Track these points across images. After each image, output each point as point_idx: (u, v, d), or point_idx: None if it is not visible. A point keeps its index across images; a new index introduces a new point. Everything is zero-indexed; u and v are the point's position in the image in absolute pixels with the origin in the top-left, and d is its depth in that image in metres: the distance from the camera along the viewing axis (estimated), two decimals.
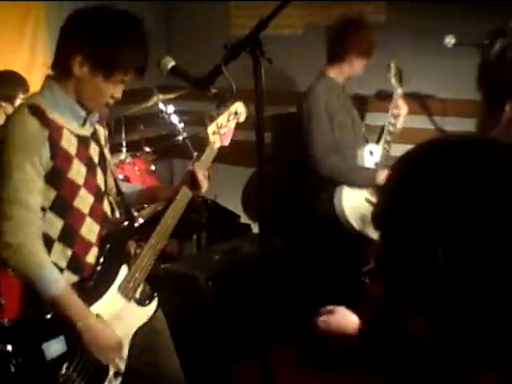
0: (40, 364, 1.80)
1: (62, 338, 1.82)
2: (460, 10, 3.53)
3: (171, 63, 1.81)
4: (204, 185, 2.10)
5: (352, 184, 3.23)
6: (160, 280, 2.95)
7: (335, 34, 3.22)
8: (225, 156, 4.81)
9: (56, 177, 1.84)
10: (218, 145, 2.18)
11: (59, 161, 1.83)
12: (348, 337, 1.35)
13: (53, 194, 1.85)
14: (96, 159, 1.98)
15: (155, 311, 2.11)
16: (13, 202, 1.77)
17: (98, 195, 1.96)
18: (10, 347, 2.61)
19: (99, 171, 1.98)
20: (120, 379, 1.96)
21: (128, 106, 3.84)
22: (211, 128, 2.14)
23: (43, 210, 1.85)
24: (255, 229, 4.31)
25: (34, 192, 1.79)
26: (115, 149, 3.80)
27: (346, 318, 1.41)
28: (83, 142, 1.92)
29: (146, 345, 2.09)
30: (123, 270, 2.01)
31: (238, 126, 4.68)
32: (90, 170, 1.93)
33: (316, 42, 3.31)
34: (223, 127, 2.18)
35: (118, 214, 2.08)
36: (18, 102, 3.45)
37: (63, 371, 1.82)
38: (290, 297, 3.18)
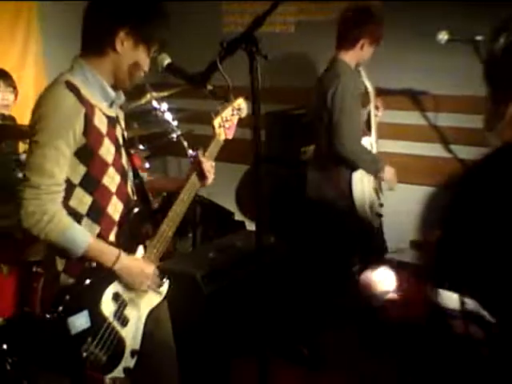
0: (66, 338, 1.83)
1: (85, 312, 1.87)
2: (453, 6, 3.54)
3: (167, 60, 1.81)
4: (211, 175, 2.17)
5: (368, 170, 3.26)
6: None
7: (349, 20, 3.21)
8: (219, 153, 4.80)
9: (87, 153, 1.87)
10: (223, 137, 2.24)
11: (92, 138, 1.86)
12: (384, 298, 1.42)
13: (83, 170, 1.88)
14: (121, 140, 2.03)
15: (166, 294, 2.17)
16: (41, 172, 1.80)
17: (124, 175, 2.02)
18: (5, 346, 2.64)
19: (123, 152, 2.04)
20: (135, 358, 2.00)
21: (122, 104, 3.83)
22: (217, 121, 2.20)
23: (73, 185, 1.88)
24: (249, 226, 4.32)
25: (62, 165, 1.82)
26: None
27: (386, 279, 1.47)
28: (111, 122, 1.96)
29: (147, 331, 2.10)
30: (140, 251, 2.06)
31: None
32: (117, 150, 1.97)
33: (309, 39, 3.31)
34: (227, 121, 2.24)
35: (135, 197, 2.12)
36: None
37: (86, 346, 1.86)
38: (285, 295, 3.18)
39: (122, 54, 1.88)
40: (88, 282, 1.91)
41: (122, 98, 2.04)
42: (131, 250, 2.03)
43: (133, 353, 2.00)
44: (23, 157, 3.29)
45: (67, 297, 1.87)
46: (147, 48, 1.90)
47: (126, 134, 2.12)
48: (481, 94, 1.36)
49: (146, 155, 3.91)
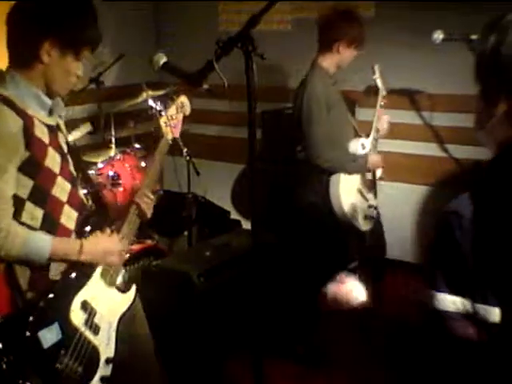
0: (38, 353, 1.80)
1: (56, 324, 1.84)
2: (448, 5, 3.55)
3: (163, 59, 1.81)
4: (149, 212, 2.17)
5: (347, 172, 3.25)
6: (151, 276, 2.97)
7: (325, 22, 3.23)
8: (214, 152, 4.83)
9: (32, 166, 1.82)
10: (170, 136, 2.27)
11: (35, 150, 1.82)
12: (352, 309, 1.42)
13: (30, 183, 1.83)
14: (65, 148, 1.99)
15: (134, 298, 2.13)
16: None
17: (74, 182, 1.98)
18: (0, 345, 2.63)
19: (69, 158, 2.00)
20: (111, 365, 1.96)
21: (117, 103, 3.83)
22: (163, 120, 2.24)
23: (22, 200, 1.83)
24: (245, 224, 4.32)
25: (7, 182, 1.77)
26: (105, 146, 3.80)
27: (354, 291, 1.47)
28: (52, 131, 1.92)
29: (123, 336, 2.08)
30: None
31: (228, 122, 4.68)
32: (63, 158, 1.94)
33: (305, 37, 3.32)
34: (173, 119, 2.27)
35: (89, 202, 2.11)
36: None
37: (61, 358, 1.83)
38: (281, 292, 3.19)
39: (51, 64, 1.83)
40: (54, 294, 1.87)
41: (61, 105, 1.99)
42: None
43: (108, 360, 1.96)
44: None
45: (35, 311, 1.83)
46: (76, 53, 1.85)
47: (68, 140, 2.09)
48: (476, 93, 1.37)
49: (141, 154, 3.91)
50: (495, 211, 1.23)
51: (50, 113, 1.93)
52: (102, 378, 1.93)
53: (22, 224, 1.84)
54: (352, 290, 1.60)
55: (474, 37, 2.99)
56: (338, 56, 3.25)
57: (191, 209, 3.87)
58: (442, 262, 1.32)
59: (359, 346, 3.12)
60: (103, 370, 1.94)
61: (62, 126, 2.07)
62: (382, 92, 3.42)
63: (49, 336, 1.82)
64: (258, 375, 1.76)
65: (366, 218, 3.34)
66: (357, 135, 3.42)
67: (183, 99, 2.29)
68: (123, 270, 2.14)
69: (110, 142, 3.78)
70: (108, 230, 2.06)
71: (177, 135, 2.30)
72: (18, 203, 1.83)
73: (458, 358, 1.28)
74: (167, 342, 2.39)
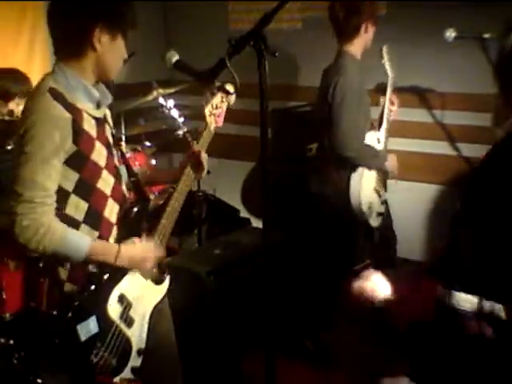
0: (75, 345, 1.83)
1: (93, 318, 1.87)
2: (461, 4, 3.53)
3: (175, 57, 1.81)
4: (205, 166, 2.17)
5: (369, 167, 3.23)
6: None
7: (352, 6, 3.15)
8: (224, 150, 4.82)
9: (79, 160, 1.85)
10: (214, 126, 2.24)
11: (83, 144, 1.84)
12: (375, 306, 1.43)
13: (75, 176, 1.86)
14: (111, 140, 2.02)
15: (169, 288, 2.17)
16: (33, 186, 1.76)
17: (117, 176, 2.00)
18: (12, 341, 2.65)
19: (114, 152, 2.02)
20: (141, 357, 2.01)
21: (128, 101, 3.84)
22: (207, 109, 2.20)
23: (67, 193, 1.86)
24: (254, 222, 4.32)
25: (53, 177, 1.79)
26: (115, 143, 3.81)
27: (380, 286, 1.49)
28: (100, 123, 1.95)
29: (150, 328, 2.11)
30: None
31: (239, 120, 4.67)
32: (109, 151, 1.96)
33: (315, 36, 3.31)
34: (217, 108, 2.24)
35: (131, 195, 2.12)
36: (12, 104, 3.41)
37: (96, 351, 1.86)
38: (291, 290, 3.19)
39: (102, 51, 1.85)
40: (93, 287, 1.91)
41: (109, 97, 2.01)
42: None
43: (139, 352, 2.01)
44: None
45: (74, 304, 1.86)
46: (124, 36, 1.89)
47: (114, 132, 2.10)
48: (487, 91, 1.36)
49: (152, 152, 3.92)
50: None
51: (98, 105, 1.95)
52: (133, 369, 1.98)
53: (66, 216, 1.87)
54: (377, 285, 1.62)
55: (486, 35, 2.98)
56: (366, 36, 3.21)
57: (201, 207, 3.88)
58: (459, 262, 1.32)
59: (371, 345, 3.12)
60: (134, 360, 1.99)
61: (109, 118, 2.08)
62: (391, 76, 3.35)
63: (86, 329, 1.85)
64: (270, 372, 1.76)
65: (378, 215, 3.34)
66: (372, 128, 3.40)
67: (229, 88, 2.23)
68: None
69: (121, 139, 3.79)
70: (144, 237, 2.05)
71: (220, 124, 2.27)
72: (63, 195, 1.86)
73: (472, 355, 1.28)
74: (177, 340, 2.39)
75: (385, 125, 3.32)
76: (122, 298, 1.96)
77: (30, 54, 4.08)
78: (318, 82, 3.34)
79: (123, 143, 3.77)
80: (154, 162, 3.82)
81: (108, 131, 2.01)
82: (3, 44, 3.90)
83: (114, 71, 1.93)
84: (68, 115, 1.79)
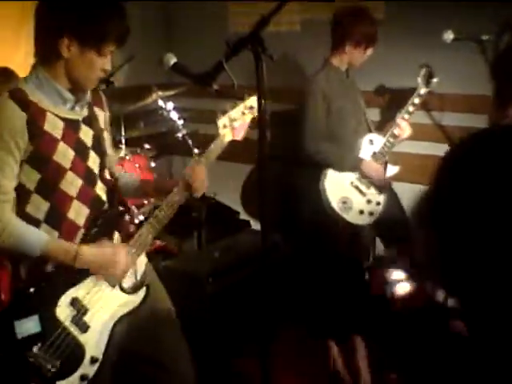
0: (10, 342, 1.79)
1: (35, 317, 1.83)
2: (459, 5, 3.53)
3: (173, 60, 1.82)
4: (201, 187, 2.12)
5: (339, 168, 3.26)
6: (160, 277, 2.98)
7: (334, 21, 3.25)
8: (224, 153, 4.80)
9: (39, 160, 1.85)
10: (228, 138, 2.19)
11: (42, 144, 1.84)
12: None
13: (37, 176, 1.86)
14: (89, 143, 1.98)
15: (145, 298, 2.07)
16: None
17: (89, 178, 1.97)
18: None
19: (92, 154, 1.98)
20: (97, 365, 1.92)
21: (127, 104, 3.85)
22: (222, 121, 2.14)
23: (29, 191, 1.86)
24: (254, 225, 4.32)
25: (7, 174, 1.81)
26: (115, 146, 3.81)
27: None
28: (71, 125, 1.93)
29: (148, 335, 2.09)
30: None
31: None
32: (79, 154, 1.93)
33: (315, 38, 3.32)
34: (236, 120, 2.17)
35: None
36: None
37: (34, 351, 1.81)
38: (289, 292, 3.19)
39: (72, 59, 1.84)
40: (42, 286, 1.87)
41: (86, 98, 1.99)
42: None
43: (93, 360, 1.91)
44: None
45: (17, 299, 1.85)
46: (97, 50, 1.83)
47: (105, 134, 2.08)
48: (486, 93, 1.37)
49: (151, 155, 3.92)
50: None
51: (73, 107, 1.93)
52: (83, 376, 1.89)
53: (27, 214, 1.87)
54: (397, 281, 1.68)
55: (484, 37, 2.98)
56: (347, 56, 3.26)
57: (201, 209, 3.88)
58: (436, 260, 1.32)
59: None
60: (86, 368, 1.90)
61: (100, 120, 2.05)
62: (421, 90, 3.37)
63: (25, 327, 1.81)
64: (265, 375, 1.76)
65: (362, 212, 3.32)
66: (370, 132, 3.42)
67: (253, 100, 2.17)
68: (139, 270, 2.08)
69: (120, 142, 3.79)
70: (117, 238, 2.02)
71: (239, 138, 2.20)
72: (25, 194, 1.87)
73: (455, 354, 1.27)
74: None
75: (391, 131, 3.35)
76: (74, 302, 1.90)
77: (29, 55, 4.07)
78: None
79: (123, 146, 3.78)
80: (153, 164, 3.82)
81: (84, 133, 1.97)
82: (3, 45, 3.91)
83: (86, 82, 1.90)
84: (22, 114, 1.80)
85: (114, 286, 2.00)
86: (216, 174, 2.41)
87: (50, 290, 1.88)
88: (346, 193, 3.28)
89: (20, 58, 4.03)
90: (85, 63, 1.84)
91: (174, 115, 3.82)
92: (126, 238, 2.05)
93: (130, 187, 2.23)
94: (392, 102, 3.91)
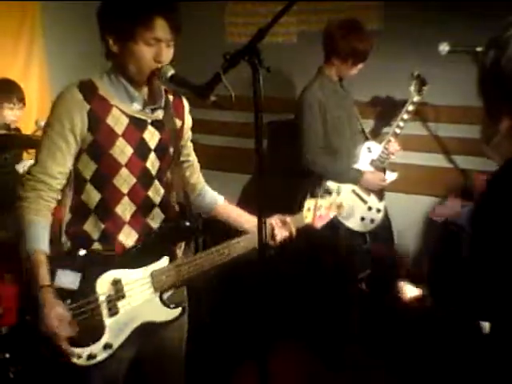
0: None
1: (77, 274, 1.86)
2: (454, 17, 3.57)
3: (171, 71, 1.83)
4: (273, 241, 2.22)
5: (338, 181, 3.28)
6: None
7: (325, 33, 3.27)
8: (220, 163, 4.82)
9: (97, 151, 1.91)
10: (308, 221, 2.28)
11: (101, 136, 1.90)
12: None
13: (93, 166, 1.93)
14: (152, 145, 2.01)
15: (174, 320, 2.08)
16: (35, 161, 1.90)
17: (144, 179, 2.00)
18: (8, 355, 2.65)
19: (153, 157, 2.01)
20: (108, 352, 1.91)
21: None
22: (309, 203, 2.26)
23: (85, 180, 1.94)
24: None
25: (56, 157, 1.87)
26: None
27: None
28: (137, 123, 1.97)
29: (156, 348, 2.11)
30: (164, 261, 2.04)
31: (235, 132, 4.66)
32: (138, 152, 1.97)
33: (311, 49, 3.35)
34: (322, 210, 2.28)
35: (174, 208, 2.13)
36: (6, 111, 3.42)
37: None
38: (288, 302, 3.19)
39: (121, 54, 1.89)
40: (97, 256, 1.92)
41: (160, 102, 2.02)
42: (156, 255, 2.03)
43: (106, 346, 1.91)
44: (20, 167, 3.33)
45: (71, 251, 1.90)
46: (134, 35, 1.84)
47: (180, 141, 2.12)
48: (481, 104, 1.37)
49: None
50: (495, 225, 1.23)
51: (144, 107, 1.97)
52: (89, 356, 1.88)
53: (81, 202, 1.95)
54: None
55: (479, 49, 3.01)
56: (334, 68, 3.28)
57: (197, 220, 3.87)
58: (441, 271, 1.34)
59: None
60: (97, 350, 1.89)
61: (173, 127, 2.07)
62: (414, 98, 3.43)
63: (66, 279, 1.84)
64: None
65: (363, 219, 3.34)
66: (367, 140, 3.45)
67: (342, 202, 2.32)
68: (178, 290, 2.12)
69: None
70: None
71: (317, 226, 2.29)
72: (81, 183, 1.95)
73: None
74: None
75: (387, 138, 3.37)
76: (117, 283, 1.92)
77: (27, 65, 4.10)
78: None
79: None
80: None
81: (150, 134, 2.00)
82: (1, 55, 3.93)
83: (138, 74, 1.91)
84: (85, 104, 1.87)
85: (157, 290, 2.02)
86: (213, 184, 2.43)
87: (102, 259, 1.93)
88: (347, 200, 3.30)
89: (19, 68, 4.06)
90: (132, 55, 1.87)
91: None
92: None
93: (205, 206, 2.36)
94: (388, 111, 3.94)
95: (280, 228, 2.23)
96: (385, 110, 3.99)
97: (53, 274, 1.83)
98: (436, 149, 3.98)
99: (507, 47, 1.25)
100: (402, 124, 3.41)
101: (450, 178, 3.92)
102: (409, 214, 4.08)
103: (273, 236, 2.21)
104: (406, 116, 3.41)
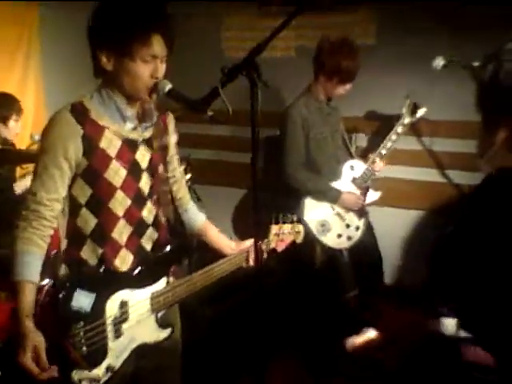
0: (64, 307, 1.81)
1: (93, 295, 1.84)
2: (449, 32, 3.59)
3: (168, 86, 1.82)
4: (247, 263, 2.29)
5: (317, 198, 3.30)
6: None
7: (316, 50, 3.28)
8: (216, 177, 4.82)
9: (92, 175, 1.88)
10: (272, 245, 2.33)
11: (96, 160, 1.87)
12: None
13: (89, 191, 1.90)
14: (144, 165, 1.99)
15: (166, 339, 2.08)
16: (30, 186, 1.87)
17: (138, 199, 1.98)
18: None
19: (145, 176, 1.99)
20: (109, 375, 1.89)
21: None
22: (275, 228, 2.32)
23: (80, 205, 1.91)
24: None
25: (46, 184, 1.84)
26: None
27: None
28: (129, 145, 1.94)
29: (153, 365, 2.09)
30: (162, 282, 2.04)
31: (231, 147, 4.66)
32: (131, 174, 1.94)
33: (309, 64, 3.36)
34: (283, 235, 2.35)
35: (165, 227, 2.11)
36: (11, 123, 3.47)
37: (77, 327, 1.80)
38: (283, 317, 3.18)
39: (116, 71, 1.85)
40: (110, 274, 1.91)
41: (152, 120, 2.00)
42: (156, 276, 2.02)
43: (108, 368, 1.89)
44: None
45: (90, 271, 1.89)
46: (130, 55, 1.80)
47: (169, 158, 2.12)
48: (476, 119, 1.38)
49: None
50: (487, 236, 1.24)
51: (136, 127, 1.95)
52: (92, 380, 1.86)
53: (76, 227, 1.93)
54: (366, 335, 1.71)
55: (475, 64, 3.02)
56: (322, 86, 3.28)
57: (192, 239, 3.86)
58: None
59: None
60: (99, 372, 1.87)
61: (158, 142, 2.04)
62: (405, 120, 3.43)
63: (82, 300, 1.82)
64: None
65: (340, 236, 3.33)
66: (351, 157, 3.46)
67: (301, 228, 2.39)
68: (169, 309, 2.11)
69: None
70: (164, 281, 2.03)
71: (278, 249, 2.36)
72: (77, 208, 1.92)
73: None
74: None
75: (372, 158, 3.39)
76: (124, 305, 1.91)
77: (23, 79, 4.11)
78: None
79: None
80: None
81: (141, 154, 1.97)
82: None
83: (135, 91, 1.87)
84: (79, 129, 1.83)
85: (154, 311, 2.01)
86: (207, 198, 2.42)
87: (111, 281, 1.91)
88: (325, 216, 3.30)
89: (14, 82, 4.06)
90: (129, 73, 1.84)
91: None
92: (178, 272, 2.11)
93: (193, 225, 2.36)
94: (381, 127, 3.95)
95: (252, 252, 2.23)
96: (379, 126, 4.01)
97: (70, 295, 1.80)
98: (430, 163, 3.99)
99: (505, 61, 1.27)
100: (389, 145, 3.40)
101: (444, 193, 3.93)
102: (401, 228, 4.08)
103: (247, 259, 2.26)
104: (394, 137, 3.41)
